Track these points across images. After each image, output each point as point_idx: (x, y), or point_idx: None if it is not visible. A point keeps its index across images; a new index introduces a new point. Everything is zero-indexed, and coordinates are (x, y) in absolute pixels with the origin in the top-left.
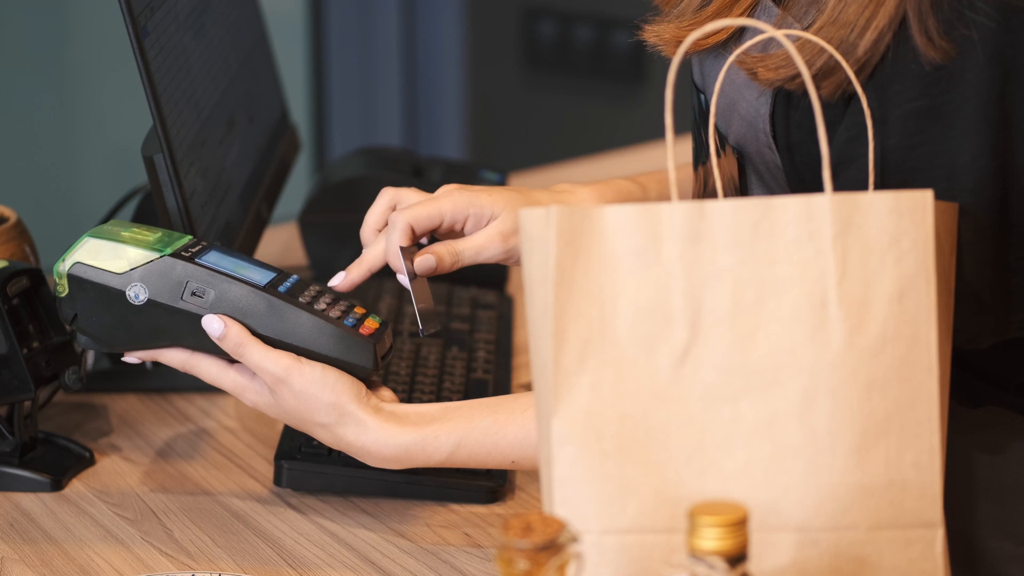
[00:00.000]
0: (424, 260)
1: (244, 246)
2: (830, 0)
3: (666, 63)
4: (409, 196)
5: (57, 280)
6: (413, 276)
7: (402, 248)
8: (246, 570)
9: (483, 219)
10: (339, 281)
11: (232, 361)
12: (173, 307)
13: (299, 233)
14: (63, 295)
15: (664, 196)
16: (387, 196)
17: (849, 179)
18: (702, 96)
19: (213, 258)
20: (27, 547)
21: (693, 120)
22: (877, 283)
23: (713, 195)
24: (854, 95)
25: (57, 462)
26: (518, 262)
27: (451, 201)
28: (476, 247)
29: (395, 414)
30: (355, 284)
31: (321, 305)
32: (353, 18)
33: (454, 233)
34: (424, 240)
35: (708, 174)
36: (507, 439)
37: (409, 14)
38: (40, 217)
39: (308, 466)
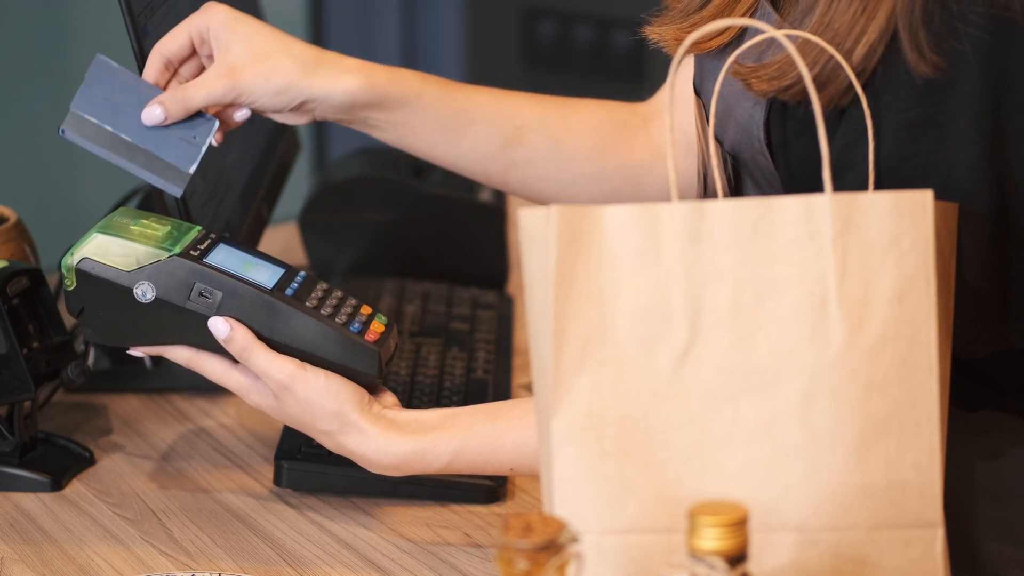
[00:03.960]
0: (150, 112)
1: None
2: (821, 9)
3: (666, 63)
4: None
5: (65, 274)
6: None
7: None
8: (246, 570)
9: (219, 46)
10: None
11: (237, 361)
12: (180, 307)
13: (299, 233)
14: (70, 289)
15: (447, 100)
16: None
17: (844, 186)
18: (698, 99)
19: (222, 256)
20: (27, 547)
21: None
22: (877, 283)
23: (713, 195)
24: (846, 108)
25: (57, 462)
26: (260, 109)
27: (194, 22)
28: (203, 90)
29: (395, 422)
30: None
31: (327, 309)
32: (353, 18)
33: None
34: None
35: (708, 175)
36: (505, 447)
37: (409, 14)
38: (40, 217)
39: (308, 466)
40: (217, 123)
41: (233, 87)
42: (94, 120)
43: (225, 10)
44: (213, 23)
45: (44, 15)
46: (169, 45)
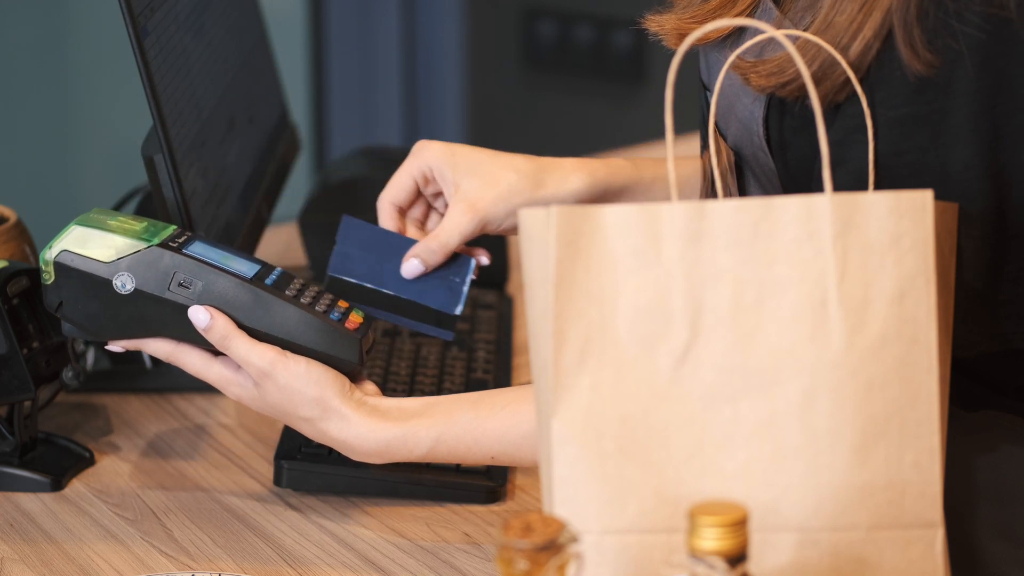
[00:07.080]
0: (409, 266)
1: (244, 246)
2: (823, 7)
3: (666, 63)
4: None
5: (43, 267)
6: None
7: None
8: (246, 570)
9: (447, 185)
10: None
11: (217, 353)
12: (160, 297)
13: (299, 233)
14: (49, 282)
15: (659, 180)
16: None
17: (838, 181)
18: (707, 93)
19: (199, 249)
20: (27, 547)
21: (701, 117)
22: (877, 283)
23: (715, 194)
24: (841, 104)
25: (57, 462)
26: (507, 230)
27: (415, 164)
28: (455, 232)
29: (377, 409)
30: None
31: (307, 299)
32: (353, 18)
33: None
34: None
35: (710, 173)
36: (487, 435)
37: (409, 14)
38: (40, 217)
39: (308, 466)
40: (474, 262)
41: (480, 220)
42: (353, 281)
43: (439, 147)
44: (434, 163)
45: (44, 15)
46: (396, 194)
